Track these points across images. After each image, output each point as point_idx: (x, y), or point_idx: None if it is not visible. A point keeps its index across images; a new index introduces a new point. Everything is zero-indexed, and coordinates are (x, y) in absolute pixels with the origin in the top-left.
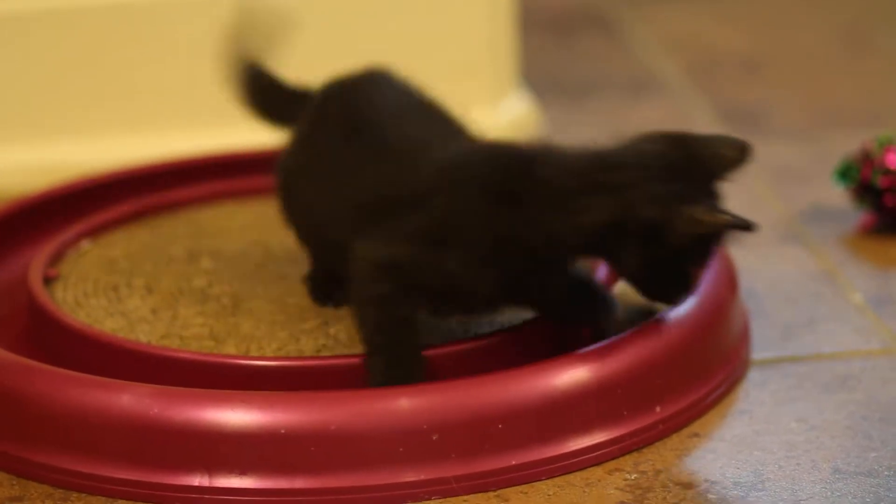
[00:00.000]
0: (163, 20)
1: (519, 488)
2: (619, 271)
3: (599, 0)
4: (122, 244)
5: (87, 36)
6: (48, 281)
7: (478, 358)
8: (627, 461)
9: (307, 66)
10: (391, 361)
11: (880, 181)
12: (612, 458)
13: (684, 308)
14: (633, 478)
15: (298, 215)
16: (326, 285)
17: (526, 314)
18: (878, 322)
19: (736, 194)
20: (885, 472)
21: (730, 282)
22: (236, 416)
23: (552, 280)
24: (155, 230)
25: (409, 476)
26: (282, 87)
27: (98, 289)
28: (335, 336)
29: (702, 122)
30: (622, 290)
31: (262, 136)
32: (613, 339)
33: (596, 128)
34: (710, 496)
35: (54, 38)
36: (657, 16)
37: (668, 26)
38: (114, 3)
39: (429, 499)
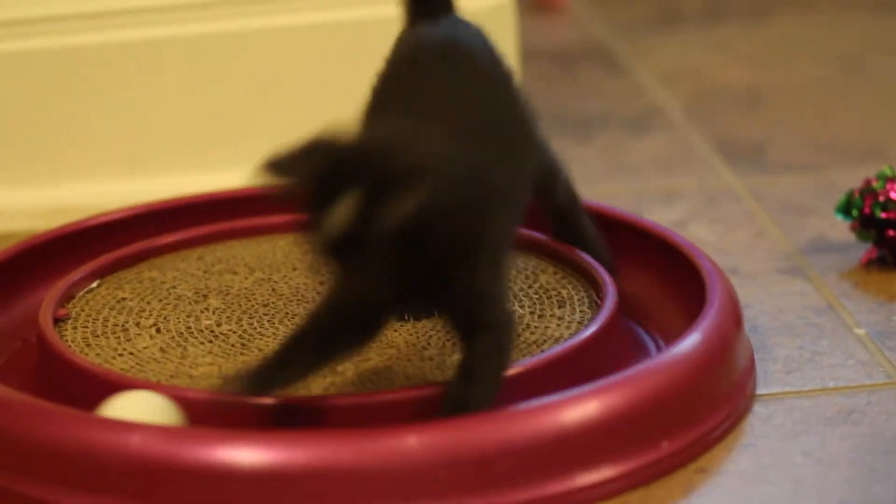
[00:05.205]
0: (174, 58)
1: None
2: None
3: (599, 35)
4: (131, 284)
5: (98, 75)
6: (58, 321)
7: None
8: (634, 496)
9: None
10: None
11: (882, 214)
12: (619, 494)
13: (690, 343)
14: None
15: None
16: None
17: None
18: (880, 355)
19: (739, 228)
20: None
21: (734, 316)
22: (247, 454)
23: None
24: (163, 270)
25: None
26: None
27: (107, 329)
28: (343, 373)
29: (701, 155)
30: None
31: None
32: (620, 374)
33: (599, 162)
34: None
35: (62, 77)
36: (656, 49)
37: (666, 59)
38: (128, 40)
39: None
